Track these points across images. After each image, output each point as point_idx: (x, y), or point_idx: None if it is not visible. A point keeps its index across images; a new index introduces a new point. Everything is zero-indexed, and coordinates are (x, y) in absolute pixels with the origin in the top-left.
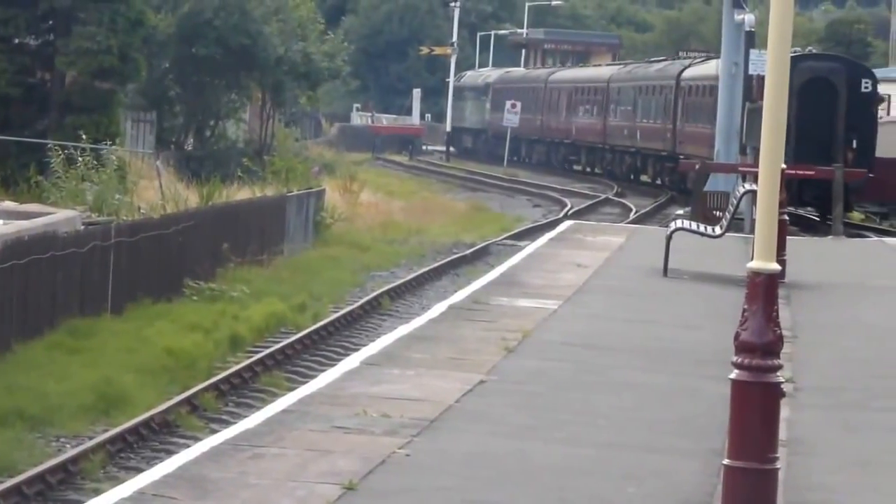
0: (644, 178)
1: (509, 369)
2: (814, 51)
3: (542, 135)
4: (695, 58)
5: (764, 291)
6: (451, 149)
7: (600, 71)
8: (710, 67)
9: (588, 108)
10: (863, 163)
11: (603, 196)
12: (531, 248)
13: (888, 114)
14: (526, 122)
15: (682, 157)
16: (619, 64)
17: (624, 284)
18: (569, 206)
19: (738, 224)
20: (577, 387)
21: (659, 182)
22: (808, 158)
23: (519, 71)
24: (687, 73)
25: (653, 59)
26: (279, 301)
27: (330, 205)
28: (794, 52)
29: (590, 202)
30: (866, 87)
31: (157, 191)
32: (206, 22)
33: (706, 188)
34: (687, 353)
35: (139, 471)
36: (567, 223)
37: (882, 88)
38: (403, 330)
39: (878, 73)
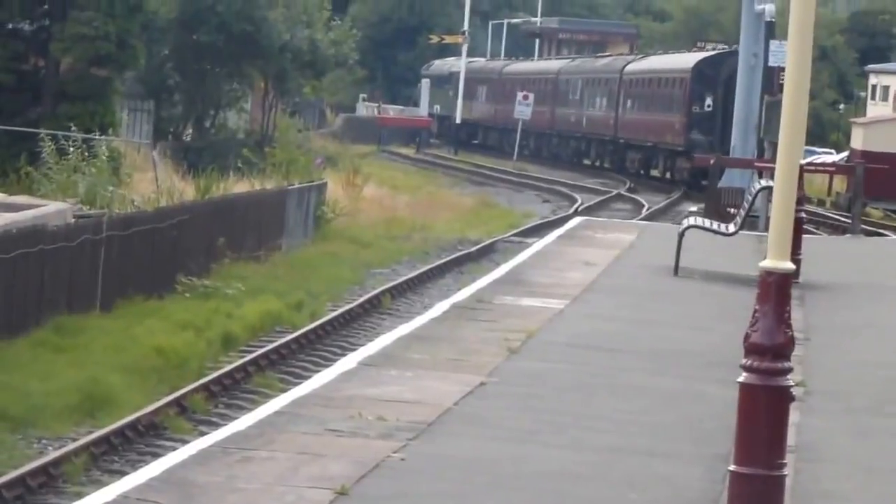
0: (586, 161)
1: (511, 371)
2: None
3: (496, 122)
4: (637, 54)
5: (776, 291)
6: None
7: (550, 64)
8: (650, 63)
9: (538, 98)
10: None
11: (615, 192)
12: (539, 245)
13: None
14: (484, 110)
15: (622, 140)
16: (568, 58)
17: (633, 283)
18: (579, 201)
19: (753, 222)
20: (580, 389)
21: (598, 164)
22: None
23: (480, 61)
24: (630, 68)
25: (599, 54)
26: (275, 299)
27: (332, 199)
28: (723, 49)
29: (601, 198)
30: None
31: (152, 183)
32: (208, 7)
33: (720, 184)
34: (696, 355)
35: (123, 474)
36: (576, 220)
37: None
38: (403, 329)
39: None
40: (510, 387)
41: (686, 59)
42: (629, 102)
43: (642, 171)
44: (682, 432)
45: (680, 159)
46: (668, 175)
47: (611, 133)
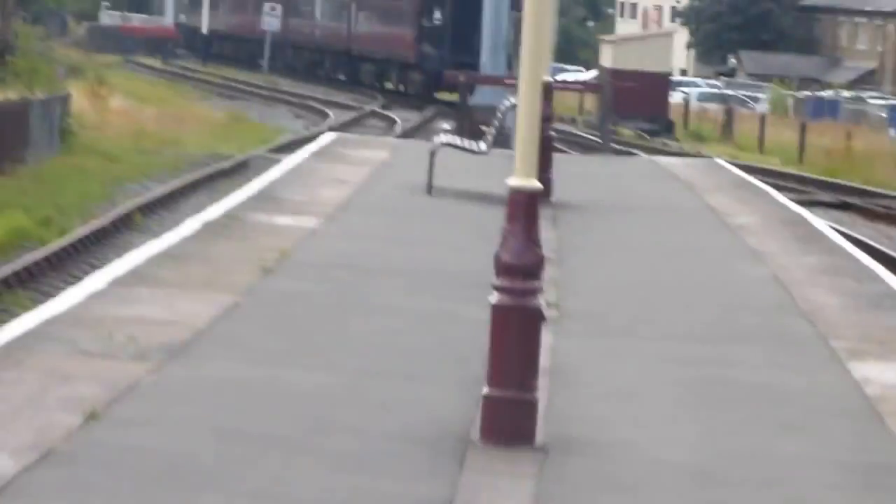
0: (320, 72)
1: (265, 291)
2: None
3: (233, 32)
4: None
5: (524, 210)
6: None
7: None
8: None
9: (267, 7)
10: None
11: (368, 108)
12: (291, 161)
13: (660, 26)
14: (221, 20)
15: (355, 53)
16: None
17: (387, 202)
18: (332, 117)
19: (507, 140)
20: (336, 310)
21: (339, 77)
22: (464, 59)
23: None
24: None
25: None
26: (22, 214)
27: (77, 111)
28: None
29: (354, 114)
30: None
31: None
32: None
33: (473, 102)
34: (451, 275)
35: None
36: (329, 136)
37: None
38: (154, 248)
39: None
40: (265, 307)
41: None
42: (361, 15)
43: (376, 83)
44: (437, 354)
45: (412, 72)
46: (401, 87)
47: (344, 45)
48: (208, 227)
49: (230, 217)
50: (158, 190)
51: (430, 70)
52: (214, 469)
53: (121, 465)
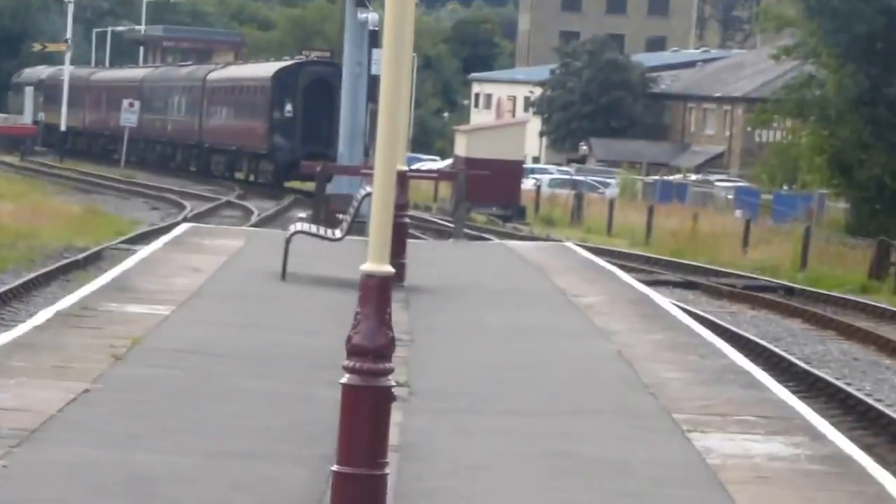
0: (172, 164)
1: (116, 377)
2: (315, 58)
3: (86, 127)
4: (218, 64)
5: (377, 294)
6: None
7: (135, 72)
8: (232, 71)
9: (125, 104)
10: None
11: (224, 199)
12: (145, 252)
13: (513, 116)
14: (79, 117)
15: (206, 145)
16: (152, 66)
17: (240, 289)
18: (188, 208)
19: (362, 227)
20: (186, 394)
21: (191, 168)
22: (315, 149)
23: (70, 69)
24: (212, 76)
25: (182, 63)
26: None
27: None
28: (300, 59)
29: (210, 205)
30: None
31: None
32: None
33: (330, 191)
34: (302, 358)
35: None
36: (184, 226)
37: (506, 90)
38: (4, 338)
39: (504, 73)
40: (115, 393)
41: (266, 69)
42: (213, 109)
43: (227, 174)
44: (287, 434)
45: (263, 162)
46: (251, 177)
47: (196, 138)
48: (60, 317)
49: (82, 307)
50: (11, 282)
51: (281, 160)
52: None
53: None
